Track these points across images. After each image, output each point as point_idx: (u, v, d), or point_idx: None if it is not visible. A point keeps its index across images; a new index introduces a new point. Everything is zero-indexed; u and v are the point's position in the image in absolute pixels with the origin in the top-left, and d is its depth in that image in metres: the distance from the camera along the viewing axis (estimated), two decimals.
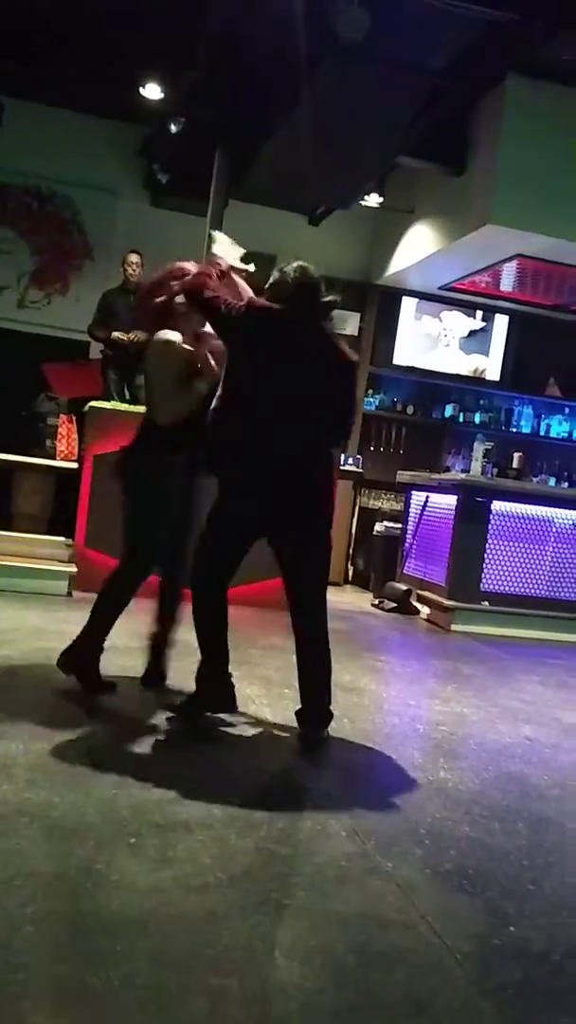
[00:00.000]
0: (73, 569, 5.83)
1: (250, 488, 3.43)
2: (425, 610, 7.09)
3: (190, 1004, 1.74)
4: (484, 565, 6.82)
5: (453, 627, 6.63)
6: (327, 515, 3.57)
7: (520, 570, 6.96)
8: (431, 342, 9.71)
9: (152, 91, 7.08)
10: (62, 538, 6.13)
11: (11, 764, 2.77)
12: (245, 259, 4.21)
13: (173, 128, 7.47)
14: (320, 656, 3.56)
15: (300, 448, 3.46)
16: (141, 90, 7.07)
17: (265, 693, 4.06)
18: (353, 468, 8.72)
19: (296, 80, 5.81)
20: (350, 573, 8.80)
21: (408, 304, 9.59)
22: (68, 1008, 1.68)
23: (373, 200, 8.40)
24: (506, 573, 6.92)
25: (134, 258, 7.41)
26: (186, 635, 3.70)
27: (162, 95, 7.09)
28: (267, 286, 3.62)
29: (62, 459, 6.65)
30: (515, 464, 8.04)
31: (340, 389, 3.55)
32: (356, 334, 7.35)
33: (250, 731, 3.49)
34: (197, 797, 2.72)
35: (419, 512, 7.50)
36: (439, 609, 6.81)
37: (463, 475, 7.14)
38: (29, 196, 8.74)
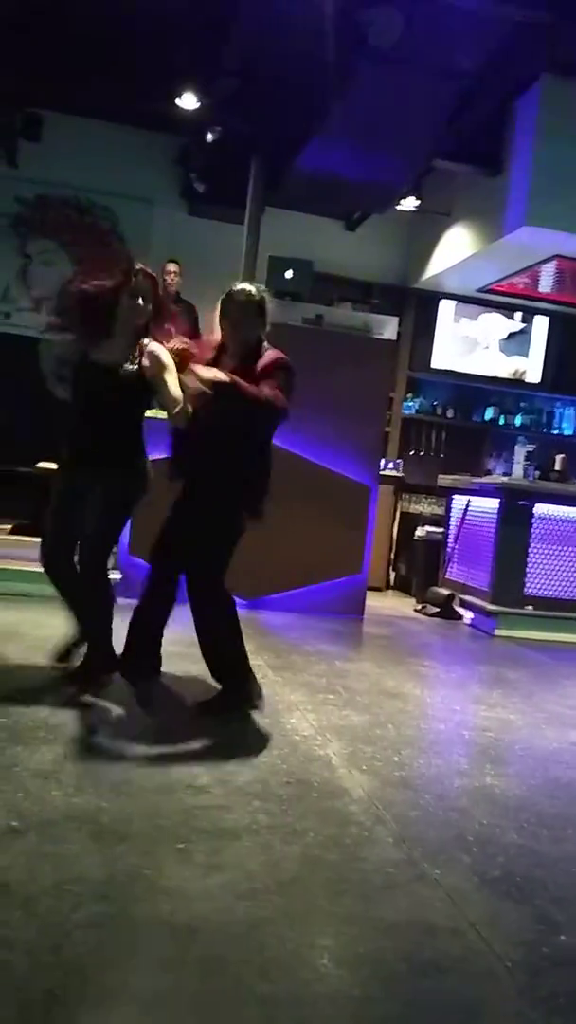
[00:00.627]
0: (118, 576, 5.87)
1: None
2: (468, 615, 7.04)
3: (240, 1011, 1.74)
4: (527, 569, 6.75)
5: (497, 632, 6.58)
6: None
7: (564, 574, 6.87)
8: (470, 345, 9.65)
9: (188, 101, 7.13)
10: None
11: (59, 769, 2.81)
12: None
13: (209, 137, 7.53)
14: None
15: None
16: (177, 100, 7.13)
17: (308, 699, 4.06)
18: (393, 473, 8.70)
19: (330, 86, 5.83)
20: (392, 578, 8.77)
21: (446, 307, 9.55)
22: (120, 1014, 1.69)
23: (410, 204, 8.38)
24: (550, 577, 6.84)
25: (172, 267, 7.51)
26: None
27: (198, 105, 7.14)
28: (248, 309, 3.63)
29: None
30: (557, 467, 7.95)
31: None
32: (395, 338, 7.33)
33: (293, 737, 3.49)
34: (243, 803, 2.73)
35: (461, 516, 7.45)
36: (483, 614, 6.76)
37: (505, 478, 7.07)
38: (68, 207, 8.85)
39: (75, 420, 3.74)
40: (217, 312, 3.73)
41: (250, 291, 3.67)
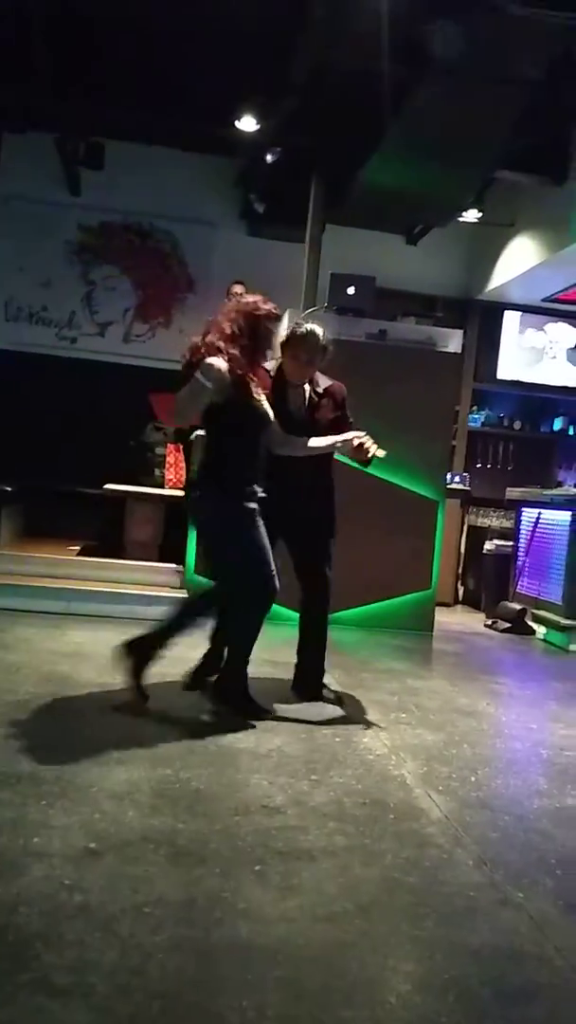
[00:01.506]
0: (184, 595, 5.91)
1: None
2: (541, 630, 6.90)
3: None
4: None
5: (571, 647, 6.43)
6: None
7: None
8: (536, 355, 9.53)
9: (247, 123, 7.20)
10: (173, 565, 6.23)
11: (135, 790, 2.81)
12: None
13: (269, 158, 7.58)
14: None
15: None
16: (236, 123, 7.20)
17: (381, 718, 4.01)
18: (460, 486, 8.60)
19: (392, 102, 5.82)
20: (460, 593, 8.65)
21: (511, 318, 9.45)
22: None
23: (471, 215, 8.33)
24: None
25: (238, 288, 7.51)
26: None
27: (257, 127, 7.20)
28: (320, 351, 3.99)
29: (171, 487, 6.77)
30: None
31: None
32: (460, 351, 7.27)
33: (367, 756, 3.45)
34: (319, 825, 2.70)
35: (531, 529, 7.33)
36: (556, 629, 6.62)
37: None
38: (131, 233, 9.01)
39: (258, 456, 3.77)
40: (285, 347, 4.04)
41: (319, 334, 4.00)
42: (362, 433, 3.89)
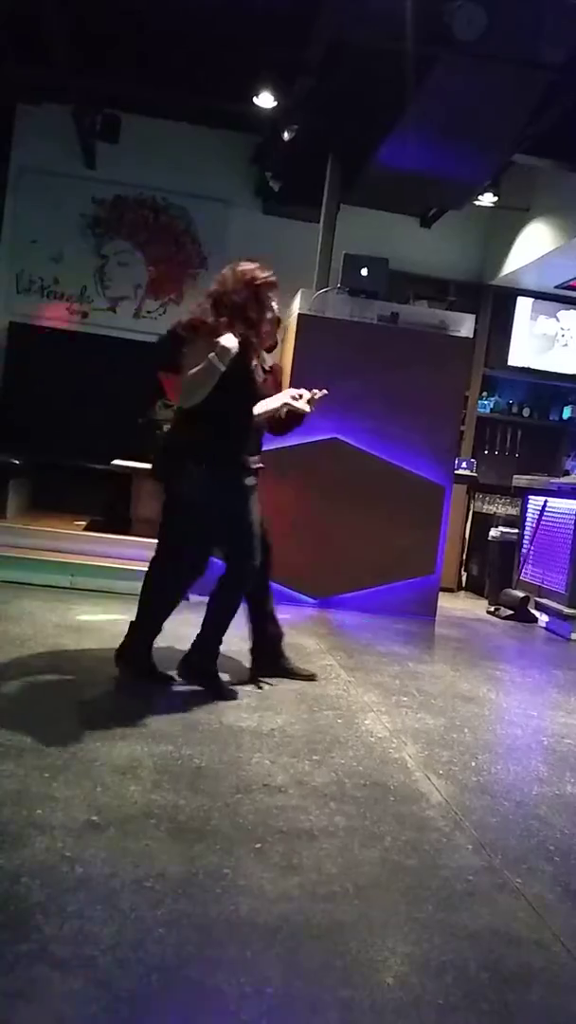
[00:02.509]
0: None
1: None
2: (544, 618, 6.90)
3: (322, 1016, 1.72)
4: None
5: (573, 636, 6.43)
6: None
7: None
8: (548, 342, 9.47)
9: (265, 100, 7.12)
10: None
11: (137, 766, 2.82)
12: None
13: (286, 136, 7.51)
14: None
15: None
16: (254, 99, 7.12)
17: (382, 701, 4.02)
18: (467, 472, 8.56)
19: (410, 82, 5.75)
20: (464, 579, 8.65)
21: (523, 304, 9.38)
22: (202, 1014, 1.69)
23: (487, 199, 8.26)
24: None
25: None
26: None
27: (274, 104, 7.13)
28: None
29: None
30: None
31: None
32: (471, 336, 7.21)
33: (368, 739, 3.46)
34: (320, 805, 2.71)
35: (536, 517, 7.32)
36: (559, 617, 6.62)
37: None
38: (145, 208, 8.94)
39: (248, 429, 3.81)
40: (281, 331, 4.25)
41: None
42: (295, 390, 4.04)
